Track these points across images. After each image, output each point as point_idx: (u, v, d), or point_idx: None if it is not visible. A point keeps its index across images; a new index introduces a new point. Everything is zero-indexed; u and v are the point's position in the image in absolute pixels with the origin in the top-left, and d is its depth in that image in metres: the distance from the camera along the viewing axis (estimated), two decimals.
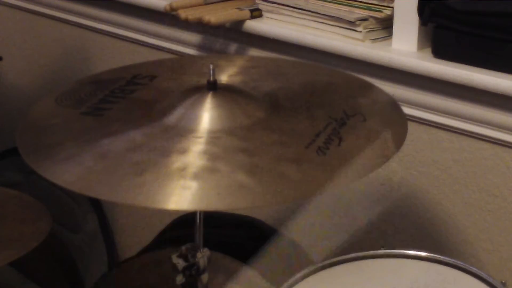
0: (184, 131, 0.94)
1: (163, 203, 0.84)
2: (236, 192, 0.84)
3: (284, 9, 1.46)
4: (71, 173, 0.90)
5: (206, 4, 1.53)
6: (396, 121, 1.03)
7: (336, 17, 1.38)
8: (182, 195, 0.84)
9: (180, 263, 1.03)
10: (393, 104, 1.08)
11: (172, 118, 0.97)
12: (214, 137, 0.93)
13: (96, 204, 1.98)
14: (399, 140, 0.98)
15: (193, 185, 0.85)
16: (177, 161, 0.88)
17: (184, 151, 0.90)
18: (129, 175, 0.87)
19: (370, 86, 1.13)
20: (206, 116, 0.96)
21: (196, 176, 0.86)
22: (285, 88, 1.09)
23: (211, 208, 0.84)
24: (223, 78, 1.09)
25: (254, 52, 1.53)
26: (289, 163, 0.89)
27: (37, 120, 1.04)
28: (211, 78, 0.99)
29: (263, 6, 1.50)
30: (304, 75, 1.17)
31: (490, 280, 1.05)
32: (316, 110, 1.02)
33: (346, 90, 1.11)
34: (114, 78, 1.13)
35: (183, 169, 0.87)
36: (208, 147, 0.91)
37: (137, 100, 1.06)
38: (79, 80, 1.18)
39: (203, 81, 1.02)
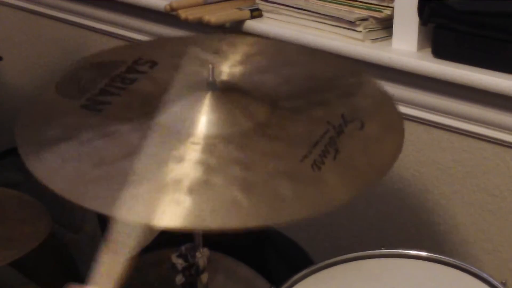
0: (182, 135, 0.93)
1: (155, 220, 0.82)
2: (230, 210, 0.82)
3: (284, 9, 1.46)
4: (66, 179, 0.88)
5: (206, 4, 1.53)
6: (394, 125, 1.02)
7: (336, 17, 1.38)
8: (175, 212, 0.82)
9: (180, 263, 1.03)
10: (390, 103, 1.07)
11: (171, 120, 0.95)
12: (210, 144, 0.91)
13: None
14: (397, 145, 0.97)
15: (187, 200, 0.83)
16: (173, 172, 0.86)
17: (180, 160, 0.88)
18: (124, 186, 0.84)
19: (368, 79, 1.12)
20: (204, 119, 0.94)
21: (191, 191, 0.84)
22: (285, 84, 1.08)
23: (203, 227, 0.82)
24: (224, 69, 1.07)
25: None
26: (284, 179, 0.87)
27: (37, 111, 1.03)
28: (211, 78, 0.98)
29: (263, 6, 1.50)
30: (305, 66, 1.15)
31: (490, 280, 1.05)
32: (316, 111, 1.01)
33: (346, 86, 1.10)
34: (115, 61, 1.11)
35: (178, 181, 0.85)
36: (204, 156, 0.89)
37: (136, 94, 1.04)
38: (80, 63, 1.15)
39: (205, 70, 1.01)
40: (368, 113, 1.02)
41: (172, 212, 0.82)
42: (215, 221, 0.82)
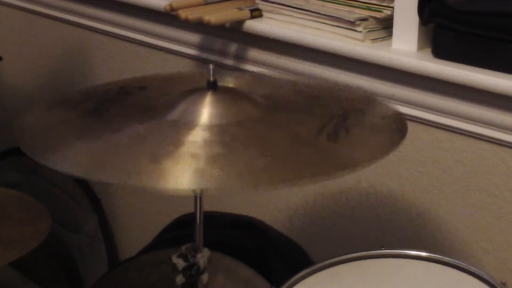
0: (191, 125, 0.95)
1: (193, 183, 0.85)
2: (257, 173, 0.85)
3: (284, 9, 1.46)
4: (88, 164, 0.90)
5: (206, 4, 1.53)
6: (392, 116, 1.04)
7: (336, 17, 1.38)
8: (204, 175, 0.85)
9: (180, 263, 1.03)
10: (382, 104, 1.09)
11: (177, 115, 0.97)
12: (223, 130, 0.93)
13: (96, 204, 1.98)
14: (402, 133, 0.99)
15: (215, 166, 0.86)
16: (191, 150, 0.89)
17: (195, 142, 0.91)
18: (145, 162, 0.87)
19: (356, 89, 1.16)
20: (210, 112, 0.96)
21: (214, 160, 0.87)
22: (280, 93, 1.10)
23: (235, 186, 0.84)
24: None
25: (254, 52, 1.53)
26: (304, 146, 0.90)
27: (34, 124, 1.03)
28: (211, 78, 0.99)
29: (263, 6, 1.50)
30: (294, 87, 1.19)
31: (490, 280, 1.05)
32: (316, 109, 1.03)
33: (337, 94, 1.13)
34: (104, 90, 1.13)
35: (199, 155, 0.87)
36: (218, 137, 0.92)
37: (134, 104, 1.05)
38: (67, 93, 1.18)
39: (200, 80, 1.01)
40: (366, 107, 1.05)
41: (207, 175, 0.85)
42: (246, 183, 0.85)
